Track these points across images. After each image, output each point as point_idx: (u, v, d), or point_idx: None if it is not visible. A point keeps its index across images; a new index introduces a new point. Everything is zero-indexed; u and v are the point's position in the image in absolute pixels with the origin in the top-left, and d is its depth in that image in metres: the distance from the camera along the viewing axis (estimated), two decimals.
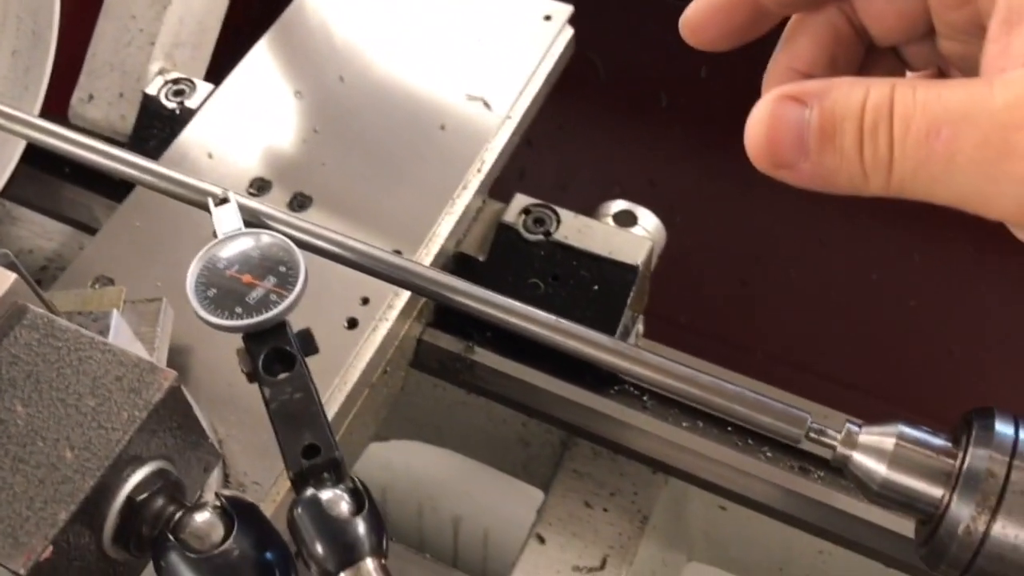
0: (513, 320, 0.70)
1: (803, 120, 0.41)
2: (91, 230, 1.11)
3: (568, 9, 1.04)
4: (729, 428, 0.91)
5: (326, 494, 0.50)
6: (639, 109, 1.67)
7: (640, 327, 0.97)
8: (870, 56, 0.53)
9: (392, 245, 0.85)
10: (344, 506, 0.50)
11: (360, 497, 0.51)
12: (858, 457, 0.54)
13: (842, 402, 0.97)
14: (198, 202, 0.64)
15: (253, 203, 0.64)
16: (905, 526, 0.85)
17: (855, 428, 0.55)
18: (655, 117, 1.65)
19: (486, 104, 0.98)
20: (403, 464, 1.66)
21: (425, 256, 0.90)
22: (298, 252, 0.59)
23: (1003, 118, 0.36)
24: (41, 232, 1.16)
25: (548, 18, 1.03)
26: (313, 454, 0.52)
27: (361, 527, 0.49)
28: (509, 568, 0.97)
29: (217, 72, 1.14)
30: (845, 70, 0.50)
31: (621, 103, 1.66)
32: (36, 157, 1.08)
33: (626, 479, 0.99)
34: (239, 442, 0.79)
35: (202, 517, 0.53)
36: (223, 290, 0.57)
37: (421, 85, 1.00)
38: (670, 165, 1.62)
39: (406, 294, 0.88)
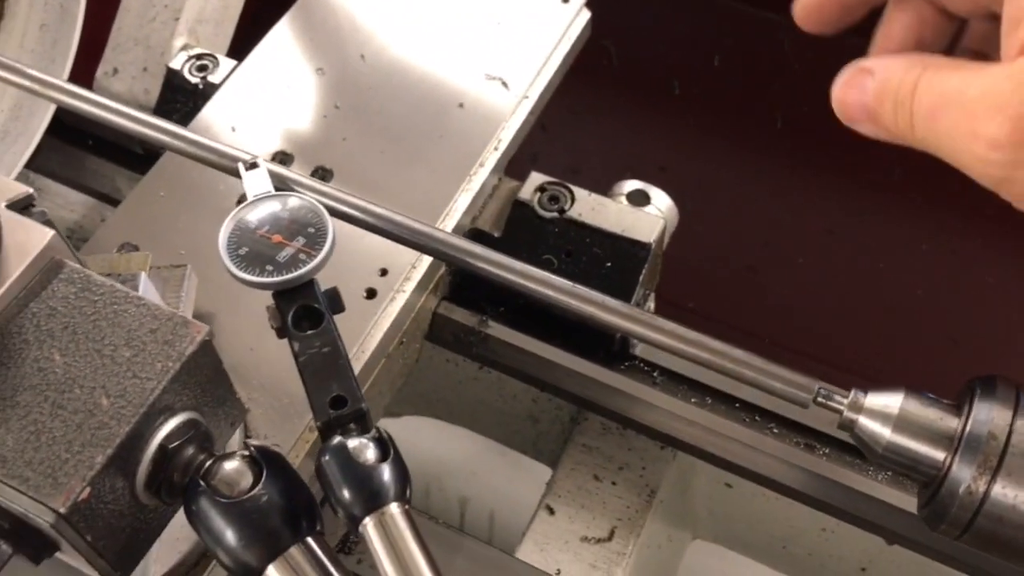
0: (534, 286, 0.73)
1: (866, 89, 0.52)
2: (113, 201, 1.13)
3: None
4: (737, 404, 0.93)
5: (353, 442, 0.52)
6: (652, 96, 1.69)
7: (651, 304, 0.99)
8: (962, 33, 0.59)
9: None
10: (370, 453, 0.52)
11: (385, 446, 0.53)
12: (864, 420, 0.56)
13: (846, 389, 0.99)
14: (228, 168, 0.66)
15: (281, 169, 0.66)
16: (907, 501, 0.87)
17: (861, 393, 0.57)
18: (667, 104, 1.67)
19: (504, 84, 1.00)
20: (411, 443, 1.68)
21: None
22: (326, 214, 0.61)
23: (972, 107, 0.46)
24: (64, 203, 1.18)
25: (566, 1, 1.05)
26: (340, 405, 0.54)
27: (386, 474, 0.51)
28: (515, 547, 0.99)
29: (238, 49, 1.17)
30: (932, 47, 0.56)
31: (634, 89, 1.68)
32: (60, 129, 1.10)
33: (634, 454, 1.01)
34: (260, 405, 0.81)
35: (231, 465, 0.55)
36: (254, 249, 0.59)
37: (440, 64, 1.01)
38: (681, 151, 1.64)
39: (424, 266, 0.90)
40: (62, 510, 0.51)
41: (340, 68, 1.02)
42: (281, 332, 0.58)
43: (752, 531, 1.13)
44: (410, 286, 0.90)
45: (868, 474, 0.89)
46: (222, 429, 0.61)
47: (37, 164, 1.10)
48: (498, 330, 0.97)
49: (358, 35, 1.04)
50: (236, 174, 0.67)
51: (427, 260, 0.91)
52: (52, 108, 1.03)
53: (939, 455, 0.53)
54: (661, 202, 0.99)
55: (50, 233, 0.59)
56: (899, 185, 1.55)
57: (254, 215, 0.61)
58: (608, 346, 0.95)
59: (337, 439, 0.53)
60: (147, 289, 0.73)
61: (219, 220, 0.92)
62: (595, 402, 0.97)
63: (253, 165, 0.64)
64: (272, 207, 0.62)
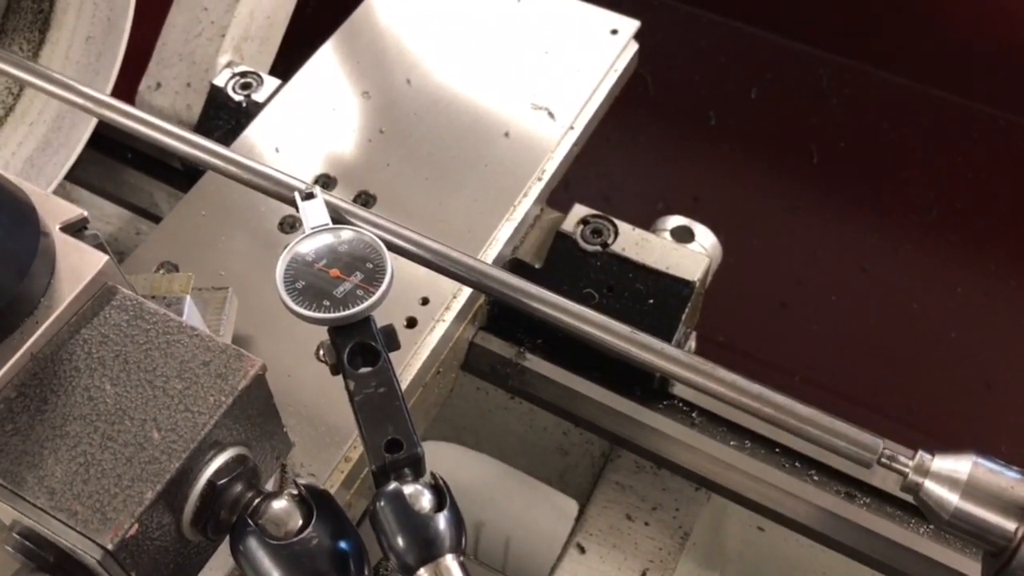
0: (577, 324, 0.72)
1: None
2: (149, 215, 1.13)
3: (635, 24, 1.05)
4: (777, 449, 0.92)
5: (408, 488, 0.51)
6: (687, 126, 1.68)
7: (692, 344, 0.97)
8: None
9: (447, 244, 0.86)
10: (426, 501, 0.51)
11: (441, 494, 0.51)
12: (930, 485, 0.54)
13: (878, 431, 0.97)
14: (281, 195, 0.65)
15: (336, 199, 0.65)
16: (950, 557, 0.85)
17: (928, 456, 0.55)
18: (703, 135, 1.66)
19: (550, 114, 0.99)
20: (430, 464, 1.67)
21: (484, 259, 0.91)
22: (385, 250, 0.60)
23: None
24: (100, 215, 1.18)
25: (615, 32, 1.04)
26: (396, 448, 0.53)
27: (443, 523, 0.50)
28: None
29: (280, 68, 1.16)
30: None
31: (669, 119, 1.67)
32: (99, 141, 1.10)
33: (668, 494, 0.99)
34: (297, 433, 0.80)
35: (280, 504, 0.54)
36: (311, 283, 0.58)
37: (487, 92, 1.01)
38: (715, 183, 1.63)
39: (464, 296, 0.89)
40: (110, 546, 0.49)
41: (386, 92, 1.01)
42: (336, 369, 0.57)
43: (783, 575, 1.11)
44: (450, 316, 0.89)
45: (910, 527, 0.87)
46: (268, 463, 0.60)
47: (74, 175, 1.10)
48: (535, 363, 0.96)
49: (404, 59, 1.03)
50: (288, 201, 0.66)
51: (467, 290, 0.90)
52: (93, 120, 1.03)
53: (1010, 525, 0.52)
54: (705, 239, 0.97)
55: (104, 258, 0.58)
56: (935, 225, 1.54)
57: (311, 248, 0.60)
58: (647, 384, 0.94)
59: (393, 485, 0.51)
60: (191, 314, 0.72)
61: (259, 242, 0.92)
62: (631, 440, 0.95)
63: (310, 195, 0.63)
64: (328, 239, 0.61)
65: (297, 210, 0.64)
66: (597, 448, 1.11)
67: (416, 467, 0.53)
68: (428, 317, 0.87)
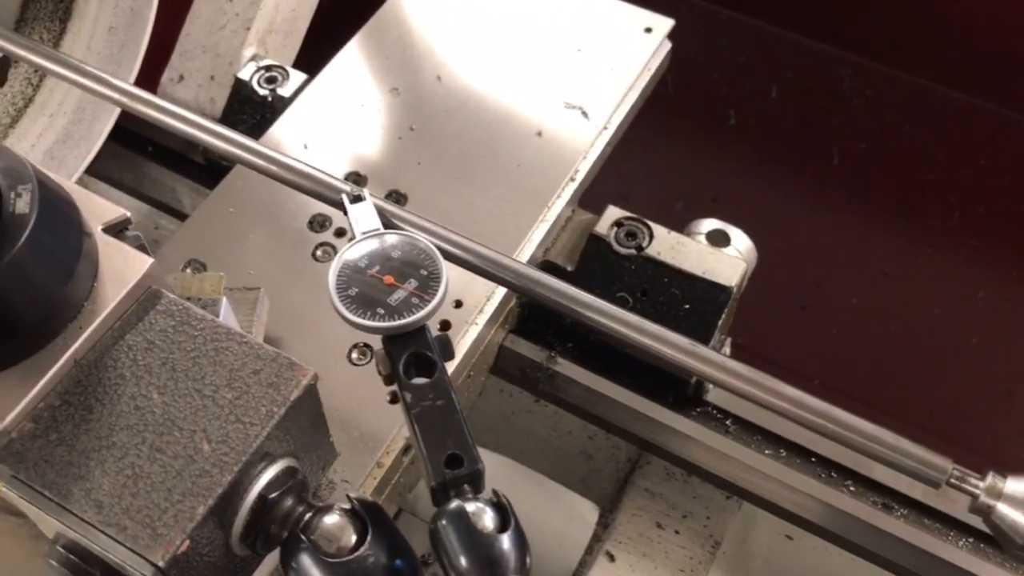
0: (619, 327, 0.70)
1: None
2: (170, 210, 1.11)
3: (669, 23, 1.03)
4: (813, 459, 0.90)
5: (471, 506, 0.49)
6: (706, 125, 1.66)
7: (727, 349, 0.96)
8: None
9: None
10: (488, 520, 0.49)
11: (505, 512, 0.50)
12: (1003, 508, 0.53)
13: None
14: (323, 196, 0.63)
15: (382, 202, 0.63)
16: (991, 571, 0.84)
17: (1000, 477, 0.53)
18: (722, 134, 1.64)
19: (584, 113, 0.97)
20: None
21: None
22: (439, 256, 0.58)
23: None
24: None
25: (648, 30, 1.02)
26: (456, 464, 0.51)
27: (507, 543, 0.48)
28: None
29: (301, 62, 1.14)
30: None
31: (688, 118, 1.65)
32: (119, 133, 1.07)
33: (699, 502, 0.97)
34: None
35: (332, 519, 0.52)
36: (364, 291, 0.56)
37: (519, 90, 0.99)
38: (735, 183, 1.61)
39: (497, 298, 0.88)
40: (161, 564, 0.48)
41: (416, 89, 0.99)
42: (389, 379, 0.55)
43: None
44: (483, 319, 0.87)
45: (948, 539, 0.86)
46: (315, 474, 0.58)
47: (93, 168, 1.07)
48: (567, 367, 0.94)
49: (434, 55, 1.01)
50: (329, 202, 0.64)
51: (501, 293, 0.88)
52: (116, 112, 1.01)
53: None
54: (741, 243, 0.96)
55: (149, 261, 0.56)
56: (958, 229, 1.53)
57: (362, 253, 0.58)
58: (680, 390, 0.92)
59: (455, 503, 0.49)
60: (227, 316, 0.70)
61: (288, 241, 0.90)
62: (663, 446, 0.93)
63: (358, 198, 0.61)
64: (378, 244, 0.59)
65: (345, 212, 0.62)
66: (623, 453, 1.09)
67: (476, 483, 0.51)
68: (462, 320, 0.86)
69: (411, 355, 0.54)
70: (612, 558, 0.95)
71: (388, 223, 0.64)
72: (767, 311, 1.54)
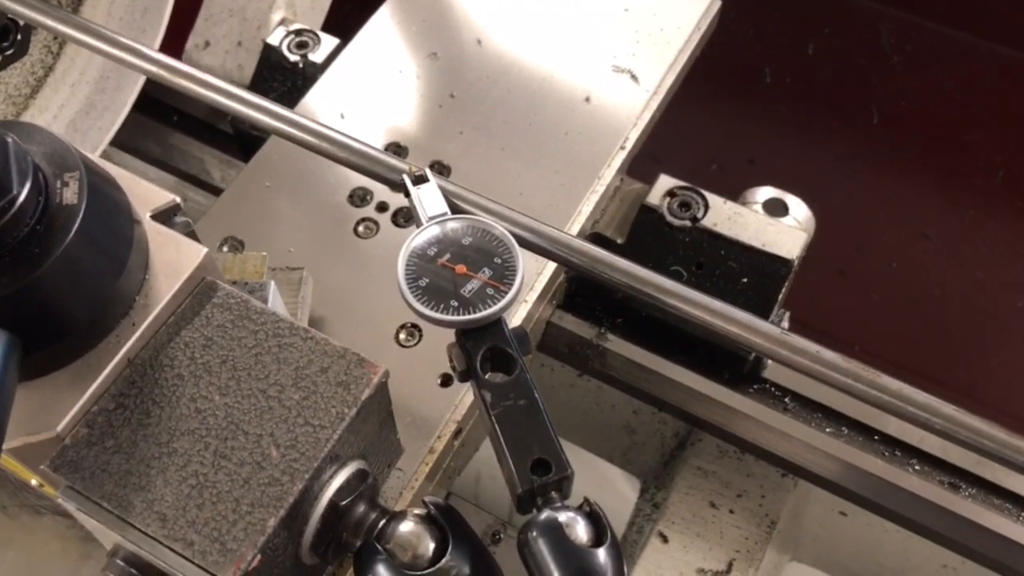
0: (680, 304, 0.67)
1: None
2: (199, 182, 1.06)
3: None
4: (876, 437, 0.87)
5: (563, 516, 0.46)
6: (741, 84, 1.61)
7: (786, 324, 0.92)
8: None
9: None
10: (581, 531, 0.45)
11: (600, 523, 0.46)
12: None
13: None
14: (384, 177, 0.59)
15: (443, 181, 0.59)
16: None
17: None
18: (758, 93, 1.59)
19: (633, 77, 0.93)
20: None
21: None
22: (514, 242, 0.54)
23: None
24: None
25: None
26: (543, 470, 0.47)
27: (603, 557, 0.44)
28: None
29: (331, 26, 1.09)
30: None
31: (723, 78, 1.59)
32: (143, 102, 1.03)
33: (754, 480, 0.94)
34: None
35: (408, 527, 0.49)
36: (435, 281, 0.52)
37: (564, 53, 0.94)
38: (771, 144, 1.56)
39: (547, 274, 0.84)
40: None
41: (455, 54, 0.94)
42: (464, 376, 0.51)
43: (860, 559, 1.06)
44: (533, 296, 0.83)
45: (1019, 520, 0.83)
46: (382, 473, 0.55)
47: (116, 138, 1.03)
48: (618, 344, 0.90)
49: (473, 18, 0.96)
50: (387, 182, 0.60)
51: (551, 268, 0.84)
52: (141, 81, 0.96)
53: None
54: (799, 212, 0.91)
55: (203, 250, 0.52)
56: (1002, 188, 1.48)
57: (429, 240, 0.54)
58: (737, 367, 0.89)
59: (547, 514, 0.46)
60: (276, 301, 0.67)
61: (329, 216, 0.86)
62: (719, 425, 0.90)
63: (421, 178, 0.57)
64: (450, 230, 0.55)
65: (407, 195, 0.58)
66: (670, 428, 1.06)
67: (565, 489, 0.48)
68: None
69: (487, 350, 0.51)
70: (665, 539, 0.92)
71: (451, 206, 0.59)
72: (804, 275, 1.50)
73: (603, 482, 1.29)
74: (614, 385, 0.95)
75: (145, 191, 0.54)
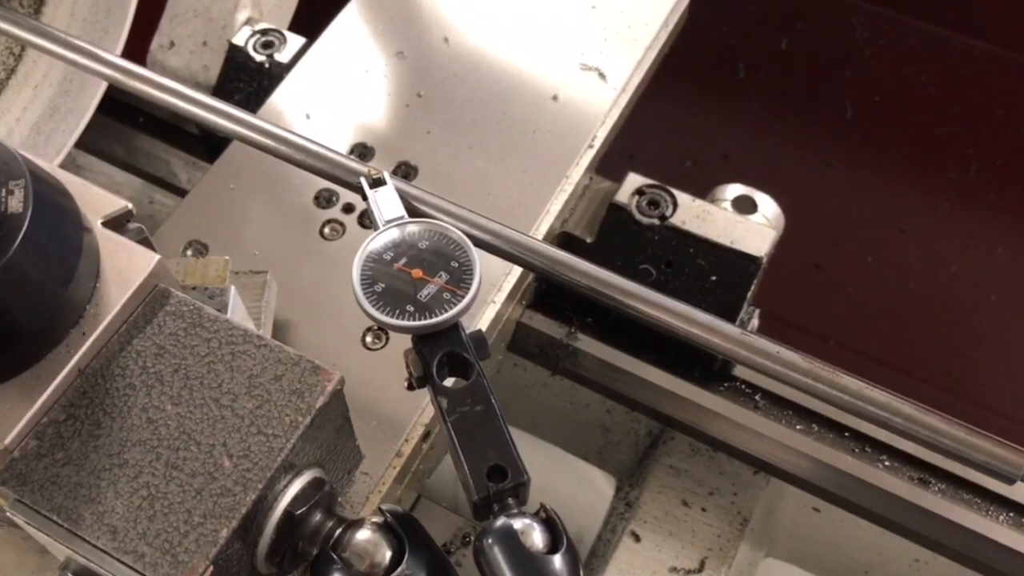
0: (644, 308, 0.67)
1: None
2: (164, 184, 1.05)
3: None
4: (846, 433, 0.87)
5: (518, 523, 0.45)
6: (715, 80, 1.61)
7: (756, 321, 0.92)
8: None
9: (503, 223, 0.80)
10: (537, 537, 0.45)
11: (555, 529, 0.46)
12: None
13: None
14: (343, 180, 0.59)
15: (404, 184, 0.58)
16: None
17: None
18: (731, 88, 1.59)
19: (601, 75, 0.92)
20: None
21: (535, 236, 0.85)
22: (471, 245, 0.53)
23: None
24: (108, 183, 1.10)
25: None
26: (499, 476, 0.47)
27: (559, 564, 0.44)
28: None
29: (298, 25, 1.08)
30: None
31: (697, 73, 1.60)
32: (109, 104, 1.02)
33: (726, 478, 0.94)
34: None
35: (365, 535, 0.48)
36: (391, 285, 0.52)
37: (532, 51, 0.93)
38: (745, 139, 1.56)
39: (515, 275, 0.83)
40: None
41: (422, 52, 0.93)
42: (422, 381, 0.51)
43: (834, 555, 1.07)
44: (500, 297, 0.83)
45: (988, 515, 0.83)
46: (341, 481, 0.54)
47: (81, 140, 1.02)
48: (588, 343, 0.90)
49: (441, 16, 0.96)
50: (341, 183, 0.59)
51: (519, 269, 0.84)
52: (105, 83, 0.95)
53: None
54: (768, 209, 0.91)
55: (155, 257, 0.51)
56: (975, 182, 1.48)
57: (386, 244, 0.54)
58: (707, 365, 0.89)
59: (501, 521, 0.46)
60: (236, 305, 0.66)
61: (294, 218, 0.85)
62: (690, 424, 0.90)
63: (379, 181, 0.56)
64: (406, 234, 0.54)
65: (364, 198, 0.57)
66: (643, 427, 1.06)
67: (521, 496, 0.47)
68: (478, 300, 0.81)
69: (444, 355, 0.50)
70: (637, 538, 0.92)
71: (410, 208, 0.59)
72: (780, 270, 1.50)
73: (580, 480, 1.29)
74: (585, 384, 0.95)
75: (96, 198, 0.53)
